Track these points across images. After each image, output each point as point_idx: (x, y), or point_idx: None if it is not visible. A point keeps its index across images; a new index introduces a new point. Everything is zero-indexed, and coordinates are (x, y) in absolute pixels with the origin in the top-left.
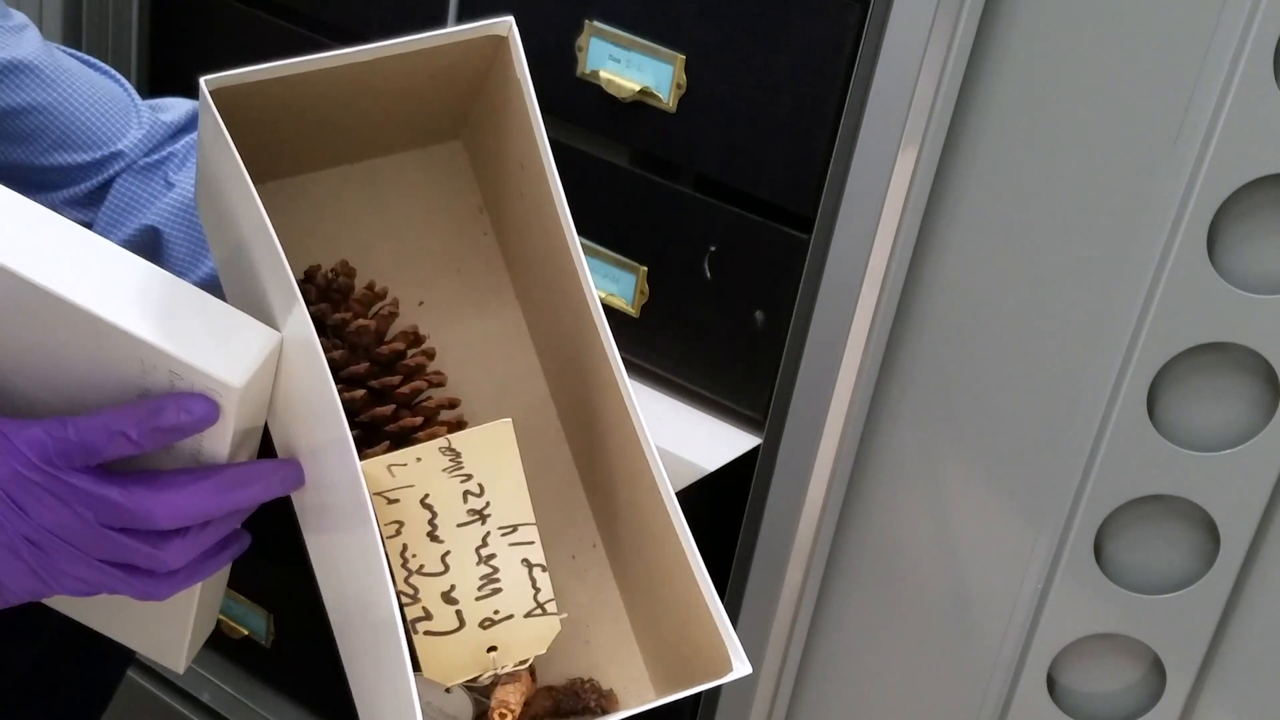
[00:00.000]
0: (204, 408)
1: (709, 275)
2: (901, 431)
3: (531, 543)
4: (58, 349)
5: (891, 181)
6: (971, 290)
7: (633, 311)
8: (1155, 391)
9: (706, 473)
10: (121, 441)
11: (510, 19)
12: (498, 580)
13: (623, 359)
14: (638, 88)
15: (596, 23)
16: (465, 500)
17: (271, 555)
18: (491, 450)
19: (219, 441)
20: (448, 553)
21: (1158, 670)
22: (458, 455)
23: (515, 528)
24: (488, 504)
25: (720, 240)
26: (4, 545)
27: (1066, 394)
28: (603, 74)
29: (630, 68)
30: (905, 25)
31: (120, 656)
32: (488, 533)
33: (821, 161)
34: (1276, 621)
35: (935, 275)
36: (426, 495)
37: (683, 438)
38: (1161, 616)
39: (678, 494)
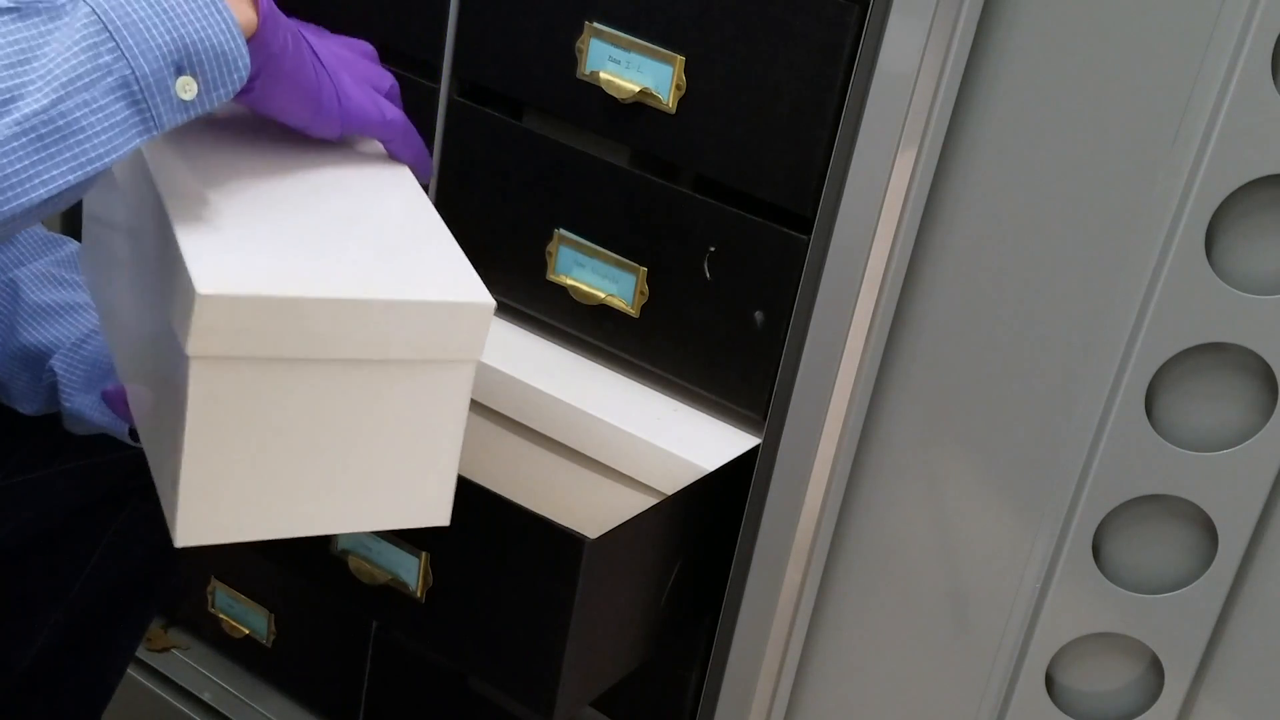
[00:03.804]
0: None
1: (709, 275)
2: (900, 431)
3: None
4: None
5: (891, 182)
6: (970, 291)
7: (633, 311)
8: (1153, 392)
9: (706, 473)
10: None
11: None
12: None
13: (623, 359)
14: (637, 89)
15: (596, 24)
16: None
17: (272, 555)
18: None
19: None
20: None
21: (1156, 669)
22: None
23: None
24: None
25: (720, 240)
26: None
27: (1065, 394)
28: (603, 75)
29: (630, 69)
30: (904, 26)
31: (121, 655)
32: None
33: (821, 162)
34: (1274, 621)
35: (934, 275)
36: None
37: (683, 438)
38: (1160, 616)
39: (676, 494)
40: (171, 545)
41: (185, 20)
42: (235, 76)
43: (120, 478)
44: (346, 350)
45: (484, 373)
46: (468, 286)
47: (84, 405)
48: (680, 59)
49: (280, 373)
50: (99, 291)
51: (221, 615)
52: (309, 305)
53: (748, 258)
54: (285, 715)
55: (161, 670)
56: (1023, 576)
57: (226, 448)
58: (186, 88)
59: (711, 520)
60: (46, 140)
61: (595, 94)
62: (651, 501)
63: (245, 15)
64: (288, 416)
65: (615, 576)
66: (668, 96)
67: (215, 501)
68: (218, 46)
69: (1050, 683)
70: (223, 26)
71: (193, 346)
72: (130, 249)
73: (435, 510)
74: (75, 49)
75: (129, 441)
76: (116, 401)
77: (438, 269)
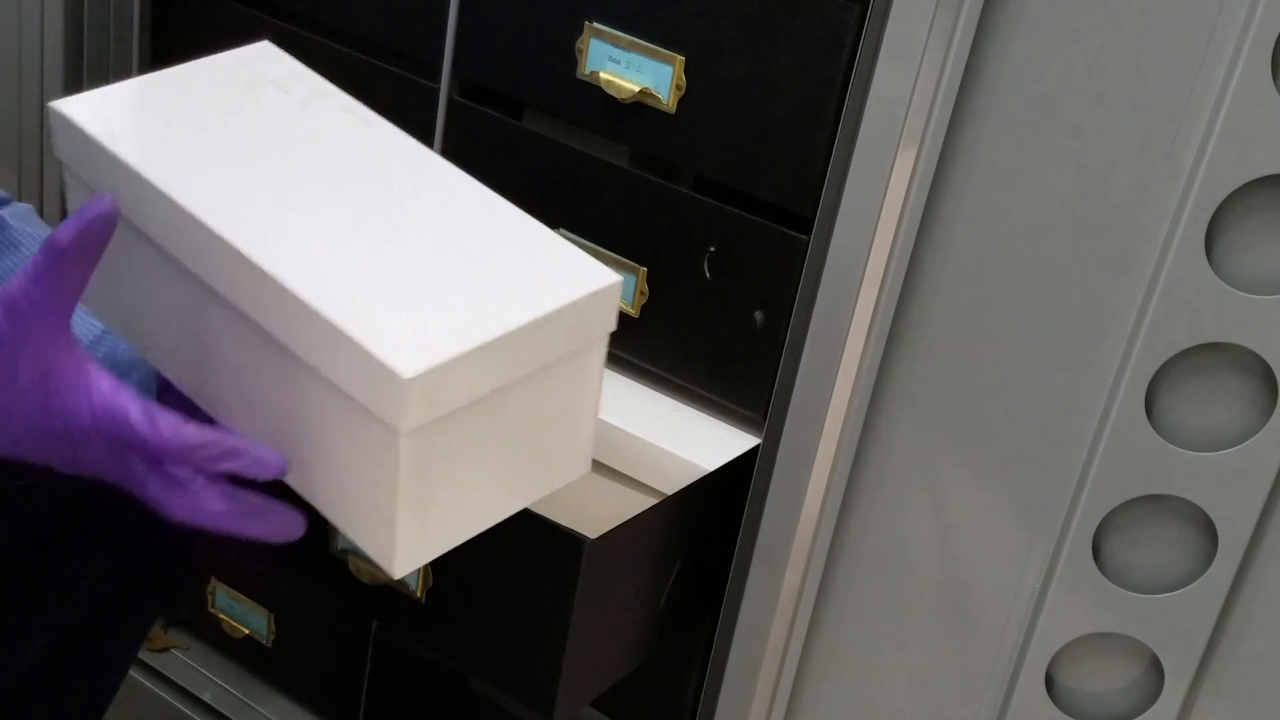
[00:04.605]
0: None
1: (709, 275)
2: (900, 431)
3: None
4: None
5: (890, 182)
6: (970, 290)
7: (633, 311)
8: (1153, 391)
9: (706, 473)
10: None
11: None
12: None
13: (623, 359)
14: (637, 88)
15: (596, 24)
16: None
17: (272, 555)
18: None
19: None
20: None
21: (1155, 669)
22: None
23: None
24: None
25: (720, 240)
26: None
27: (1065, 394)
28: (603, 75)
29: (630, 69)
30: (904, 25)
31: (122, 655)
32: None
33: (821, 162)
34: (1274, 621)
35: (934, 275)
36: None
37: (682, 438)
38: (1159, 616)
39: (676, 494)
40: (173, 548)
41: None
42: None
43: None
44: (522, 369)
45: None
46: (595, 271)
47: None
48: (680, 59)
49: (471, 410)
50: (152, 347)
51: (221, 615)
52: (493, 346)
53: (748, 258)
54: (285, 715)
55: (161, 670)
56: (1023, 576)
57: (429, 488)
58: None
59: (711, 520)
60: None
61: (595, 94)
62: (651, 501)
63: None
64: (476, 442)
65: (615, 576)
66: (668, 96)
67: (422, 532)
68: None
69: (1050, 683)
70: None
71: (403, 424)
72: (206, 312)
73: (581, 464)
74: None
75: None
76: None
77: (561, 261)
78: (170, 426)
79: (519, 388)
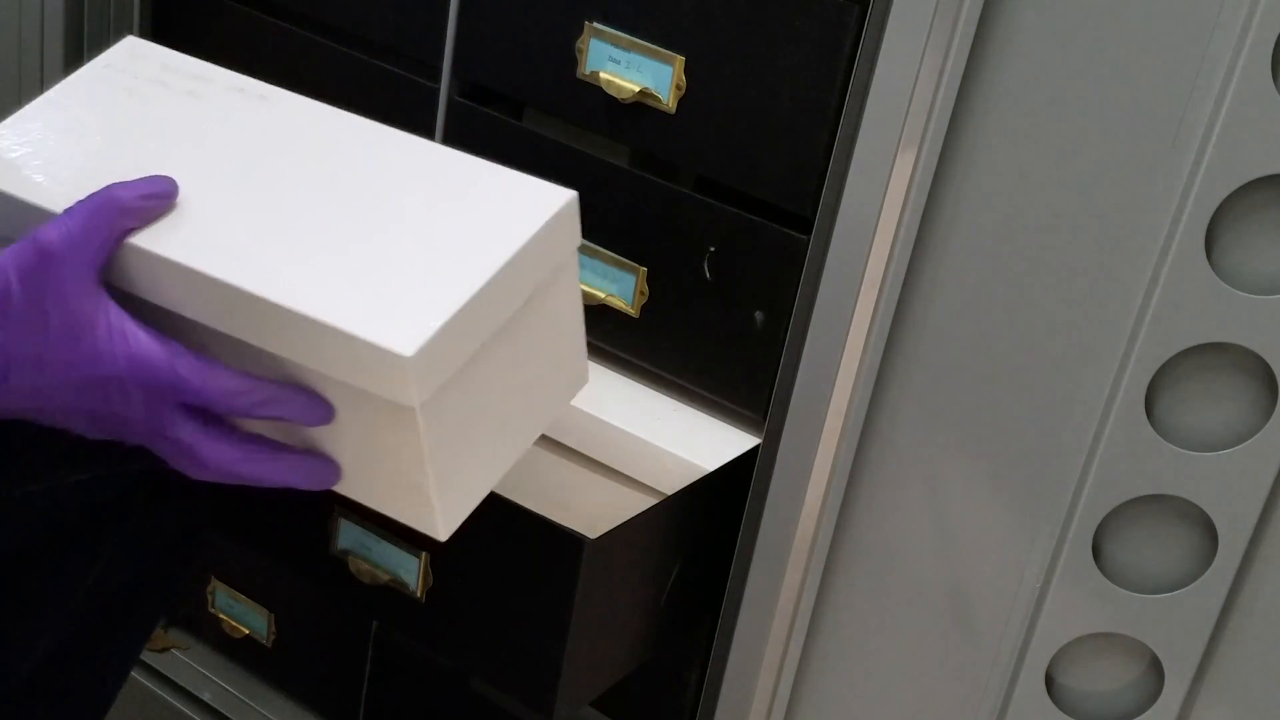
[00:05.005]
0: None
1: (709, 275)
2: (900, 431)
3: None
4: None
5: (891, 182)
6: (970, 291)
7: (633, 311)
8: (1153, 391)
9: (706, 473)
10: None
11: None
12: None
13: (623, 359)
14: (638, 89)
15: (596, 24)
16: None
17: (272, 555)
18: None
19: None
20: None
21: (1155, 669)
22: None
23: None
24: None
25: (720, 240)
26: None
27: (1065, 394)
28: (603, 75)
29: (630, 69)
30: (904, 25)
31: (124, 659)
32: None
33: (821, 162)
34: (1274, 621)
35: (934, 276)
36: None
37: (683, 438)
38: (1159, 616)
39: (676, 494)
40: (174, 554)
41: None
42: None
43: (125, 489)
44: (509, 308)
45: None
46: (549, 193)
47: None
48: (680, 59)
49: (473, 363)
50: None
51: (221, 615)
52: (478, 298)
53: (748, 258)
54: (285, 715)
55: (161, 670)
56: (1023, 576)
57: (453, 449)
58: None
59: (711, 520)
60: None
61: (595, 94)
62: (651, 501)
63: None
64: (483, 390)
65: (615, 576)
66: (668, 96)
67: (456, 489)
68: None
69: (1050, 683)
70: None
71: (415, 400)
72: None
73: (581, 376)
74: None
75: None
76: None
77: (512, 191)
78: (215, 371)
79: (510, 326)
